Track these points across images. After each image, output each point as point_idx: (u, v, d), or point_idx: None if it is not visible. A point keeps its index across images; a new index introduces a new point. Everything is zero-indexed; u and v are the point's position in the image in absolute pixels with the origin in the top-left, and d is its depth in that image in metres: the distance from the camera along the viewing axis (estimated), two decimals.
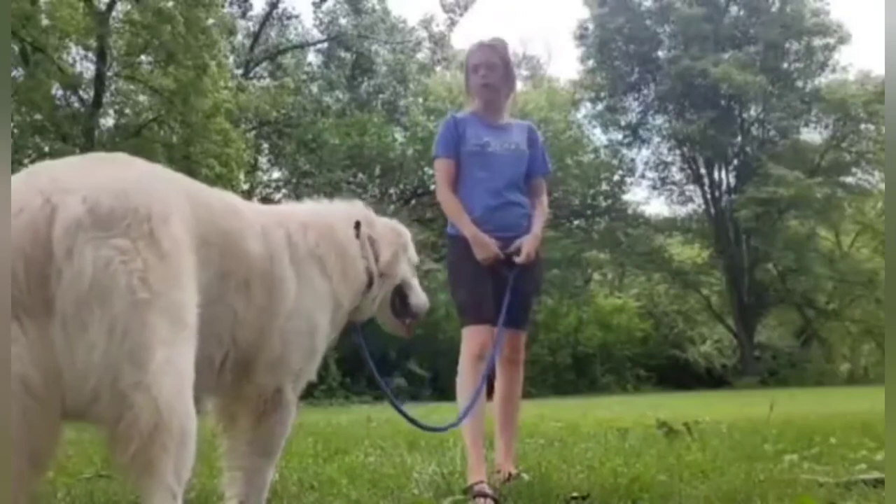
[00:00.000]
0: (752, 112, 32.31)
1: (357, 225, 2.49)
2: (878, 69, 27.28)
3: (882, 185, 26.85)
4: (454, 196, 3.48)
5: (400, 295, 2.69)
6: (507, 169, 3.50)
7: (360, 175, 25.66)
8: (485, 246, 3.34)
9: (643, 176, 34.03)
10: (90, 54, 18.20)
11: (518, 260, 3.38)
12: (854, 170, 31.75)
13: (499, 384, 3.59)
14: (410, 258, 2.73)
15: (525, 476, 3.40)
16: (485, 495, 3.00)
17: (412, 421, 2.98)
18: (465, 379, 3.30)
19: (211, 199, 2.04)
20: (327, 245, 2.34)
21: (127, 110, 19.60)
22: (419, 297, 2.75)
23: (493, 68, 3.51)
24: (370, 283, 2.50)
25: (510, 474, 3.37)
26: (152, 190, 1.71)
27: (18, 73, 15.45)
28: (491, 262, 3.34)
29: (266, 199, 22.47)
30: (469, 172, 3.49)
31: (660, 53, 32.62)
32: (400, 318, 2.73)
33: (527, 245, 3.40)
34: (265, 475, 2.23)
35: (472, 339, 3.34)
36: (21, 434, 1.45)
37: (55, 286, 1.48)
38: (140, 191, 1.65)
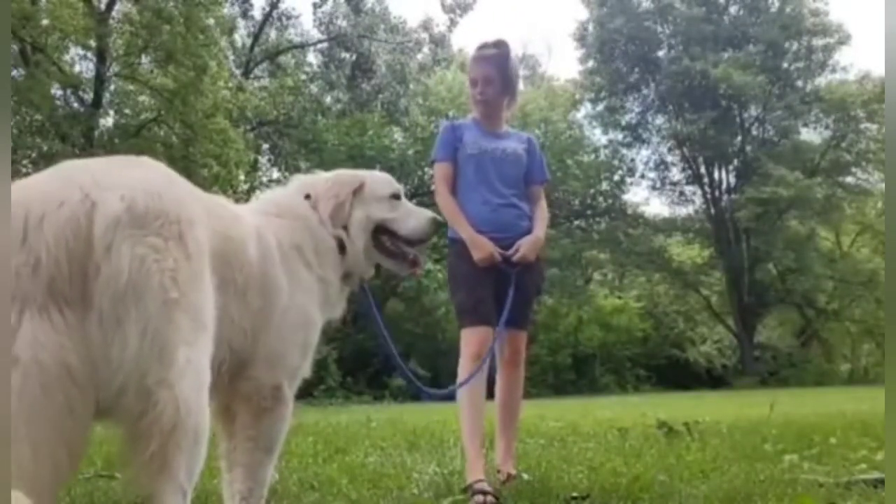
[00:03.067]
0: (752, 112, 32.31)
1: (307, 196, 2.46)
2: (878, 69, 27.31)
3: (882, 185, 26.84)
4: (452, 199, 3.49)
5: (387, 233, 2.58)
6: (505, 172, 3.51)
7: None
8: (482, 247, 3.35)
9: (643, 176, 34.09)
10: (90, 54, 18.19)
11: (514, 259, 3.38)
12: (854, 170, 31.72)
13: (499, 385, 3.58)
14: (374, 196, 2.56)
15: (525, 476, 3.40)
16: (484, 493, 3.00)
17: (417, 384, 3.11)
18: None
19: (218, 208, 2.07)
20: (301, 233, 2.34)
21: (127, 110, 19.61)
22: (407, 224, 2.58)
23: (490, 83, 3.52)
24: (343, 246, 2.44)
25: (510, 475, 3.37)
26: (179, 194, 1.76)
27: (18, 73, 15.43)
28: (488, 262, 3.35)
29: None
30: (467, 176, 3.51)
31: (660, 53, 32.62)
32: (397, 257, 2.62)
33: (525, 246, 3.41)
34: (266, 470, 2.24)
35: (471, 340, 3.34)
36: (63, 424, 1.47)
37: (93, 281, 1.52)
38: (169, 193, 1.71)
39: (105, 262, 1.53)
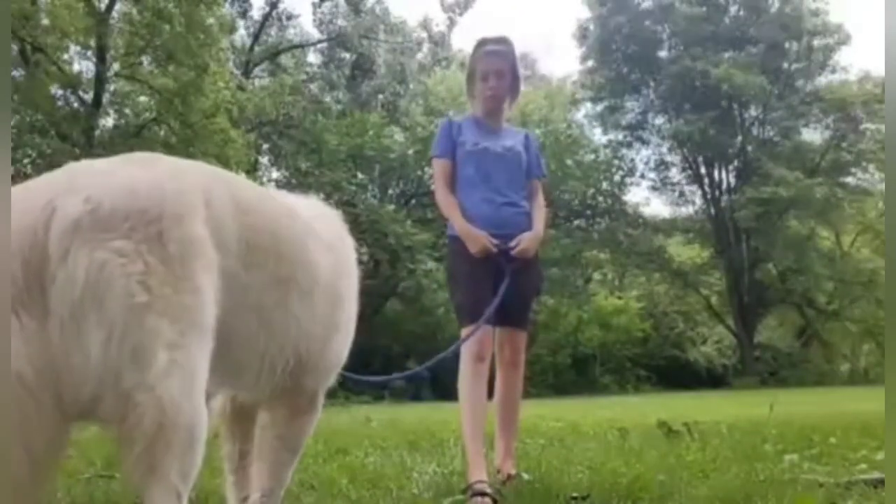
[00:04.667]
0: (753, 112, 32.27)
1: None
2: (878, 69, 27.27)
3: (882, 185, 26.82)
4: (450, 194, 3.49)
5: None
6: (504, 169, 3.49)
7: (360, 175, 25.65)
8: (476, 239, 3.34)
9: (643, 176, 34.03)
10: (90, 54, 18.20)
11: (513, 253, 3.37)
12: (854, 170, 31.67)
13: (499, 385, 3.57)
14: None
15: (525, 476, 3.40)
16: (484, 494, 2.99)
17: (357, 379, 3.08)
18: (466, 379, 3.30)
19: (261, 202, 2.00)
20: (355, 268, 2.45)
21: (127, 110, 19.62)
22: None
23: (502, 77, 3.49)
24: None
25: (510, 475, 3.37)
26: (168, 189, 1.66)
27: (18, 73, 15.44)
28: (484, 254, 3.34)
29: None
30: (466, 173, 3.49)
31: (660, 53, 32.60)
32: None
33: (525, 240, 3.39)
34: (288, 471, 2.28)
35: (471, 338, 3.33)
36: (22, 434, 1.44)
37: (49, 290, 1.48)
38: (153, 190, 1.62)
39: (61, 269, 1.47)
